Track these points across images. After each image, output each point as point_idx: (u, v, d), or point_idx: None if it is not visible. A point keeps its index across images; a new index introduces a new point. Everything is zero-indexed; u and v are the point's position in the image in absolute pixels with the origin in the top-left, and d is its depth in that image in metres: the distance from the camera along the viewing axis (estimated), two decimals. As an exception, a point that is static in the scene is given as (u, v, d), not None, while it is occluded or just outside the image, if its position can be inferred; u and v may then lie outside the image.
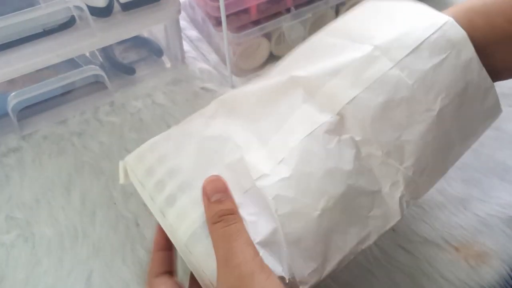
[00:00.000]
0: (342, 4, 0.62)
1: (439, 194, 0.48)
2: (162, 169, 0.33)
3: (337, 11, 0.63)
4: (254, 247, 0.29)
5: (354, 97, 0.32)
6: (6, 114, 0.52)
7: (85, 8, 0.47)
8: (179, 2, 0.54)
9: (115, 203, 0.48)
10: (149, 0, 0.52)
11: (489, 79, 0.34)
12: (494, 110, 0.36)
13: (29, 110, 0.54)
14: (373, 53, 0.33)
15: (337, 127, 0.33)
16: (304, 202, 0.30)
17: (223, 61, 0.61)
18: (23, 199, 0.48)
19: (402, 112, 0.32)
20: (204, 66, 0.62)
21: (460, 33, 0.33)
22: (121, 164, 0.35)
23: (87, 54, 0.59)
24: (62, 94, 0.57)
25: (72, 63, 0.56)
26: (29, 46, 0.48)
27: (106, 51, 0.60)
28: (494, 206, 0.47)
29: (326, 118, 0.32)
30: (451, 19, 0.34)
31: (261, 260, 0.28)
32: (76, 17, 0.49)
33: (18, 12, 0.45)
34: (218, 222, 0.28)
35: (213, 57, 0.63)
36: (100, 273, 0.43)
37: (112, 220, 0.47)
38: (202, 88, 0.59)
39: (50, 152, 0.53)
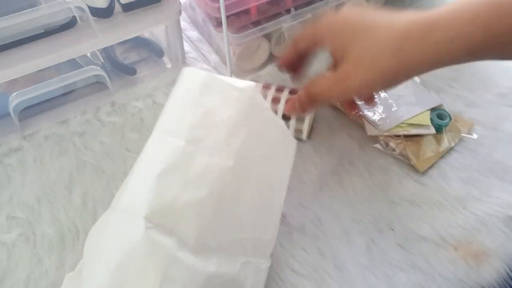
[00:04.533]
0: (342, 4, 0.62)
1: (438, 193, 0.48)
2: None
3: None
4: None
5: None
6: (7, 114, 0.52)
7: (86, 8, 0.48)
8: (180, 3, 0.55)
9: (116, 203, 0.48)
10: (150, 1, 0.52)
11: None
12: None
13: (31, 110, 0.55)
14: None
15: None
16: None
17: (224, 61, 0.61)
18: (25, 199, 0.49)
19: None
20: (205, 66, 0.62)
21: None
22: None
23: (88, 55, 0.59)
24: (63, 94, 0.57)
25: (73, 64, 0.56)
26: (31, 46, 0.48)
27: (107, 52, 0.60)
28: (493, 206, 0.47)
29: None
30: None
31: None
32: (77, 18, 0.49)
33: (19, 12, 0.45)
34: None
35: (213, 57, 0.64)
36: (101, 272, 0.43)
37: (113, 220, 0.47)
38: (203, 89, 0.60)
39: (51, 152, 0.53)
